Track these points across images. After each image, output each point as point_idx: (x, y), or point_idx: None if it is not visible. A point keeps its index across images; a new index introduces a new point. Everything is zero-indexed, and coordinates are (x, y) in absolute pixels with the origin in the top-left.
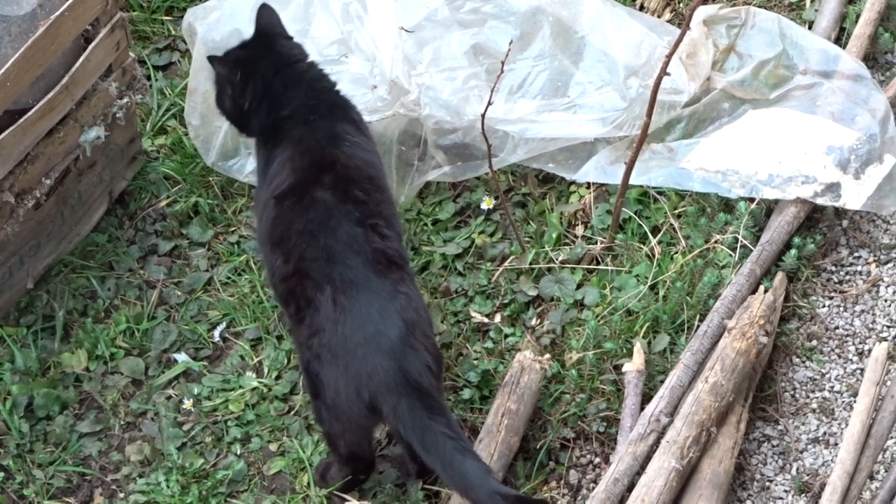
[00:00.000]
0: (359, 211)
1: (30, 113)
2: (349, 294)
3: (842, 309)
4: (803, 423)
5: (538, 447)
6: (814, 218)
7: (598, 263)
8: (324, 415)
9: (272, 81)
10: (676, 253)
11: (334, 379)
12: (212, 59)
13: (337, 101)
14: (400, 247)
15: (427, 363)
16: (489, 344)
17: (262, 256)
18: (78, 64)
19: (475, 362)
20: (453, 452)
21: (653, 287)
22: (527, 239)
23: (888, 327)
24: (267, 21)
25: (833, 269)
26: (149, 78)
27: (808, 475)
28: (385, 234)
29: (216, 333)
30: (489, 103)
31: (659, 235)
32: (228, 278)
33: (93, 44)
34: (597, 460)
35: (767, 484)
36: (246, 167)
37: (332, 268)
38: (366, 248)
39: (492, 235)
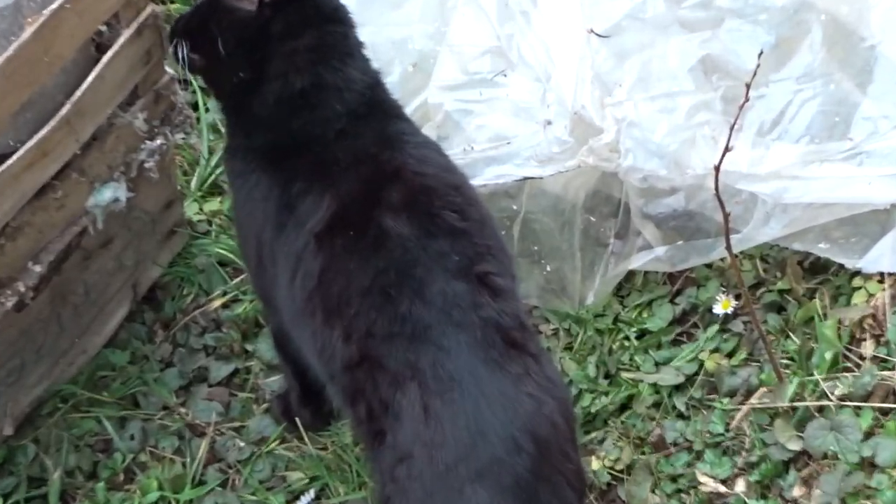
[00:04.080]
0: (458, 249)
1: (10, 161)
2: (447, 398)
3: None
4: None
5: None
6: None
7: None
8: None
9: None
10: None
11: None
12: None
13: (383, 98)
14: (519, 307)
15: (569, 501)
16: None
17: (296, 333)
18: (86, 85)
19: None
20: None
21: None
22: (785, 361)
23: None
24: None
25: None
26: (196, 107)
27: None
28: (499, 289)
29: None
30: (727, 149)
31: None
32: None
33: (108, 53)
34: None
35: None
36: None
37: (418, 351)
38: (472, 319)
39: (730, 355)
